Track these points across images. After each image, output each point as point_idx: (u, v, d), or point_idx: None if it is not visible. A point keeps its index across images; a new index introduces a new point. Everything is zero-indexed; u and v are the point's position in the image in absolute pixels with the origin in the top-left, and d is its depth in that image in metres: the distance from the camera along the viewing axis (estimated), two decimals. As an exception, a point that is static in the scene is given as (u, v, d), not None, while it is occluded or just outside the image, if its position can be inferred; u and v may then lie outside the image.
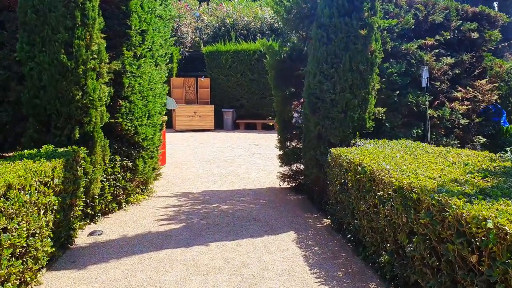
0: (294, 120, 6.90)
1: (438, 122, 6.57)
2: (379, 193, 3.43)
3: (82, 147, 4.49)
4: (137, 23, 5.15)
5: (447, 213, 2.36)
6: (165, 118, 7.58)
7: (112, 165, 5.33)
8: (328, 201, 5.12)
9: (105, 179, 5.23)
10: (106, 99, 4.86)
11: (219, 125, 15.66)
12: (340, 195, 4.44)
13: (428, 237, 2.70)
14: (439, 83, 6.56)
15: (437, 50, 6.43)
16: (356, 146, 5.22)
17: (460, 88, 6.91)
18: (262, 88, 15.60)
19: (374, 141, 5.29)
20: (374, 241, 3.66)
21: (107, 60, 4.81)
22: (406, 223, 3.01)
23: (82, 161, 4.47)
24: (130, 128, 5.41)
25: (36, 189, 3.26)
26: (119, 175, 5.51)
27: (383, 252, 3.51)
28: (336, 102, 5.02)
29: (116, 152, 5.42)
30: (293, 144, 6.84)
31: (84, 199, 4.68)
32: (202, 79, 15.69)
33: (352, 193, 4.04)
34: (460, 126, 6.84)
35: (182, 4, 18.06)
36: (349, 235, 4.34)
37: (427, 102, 6.36)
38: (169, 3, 6.31)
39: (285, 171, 6.88)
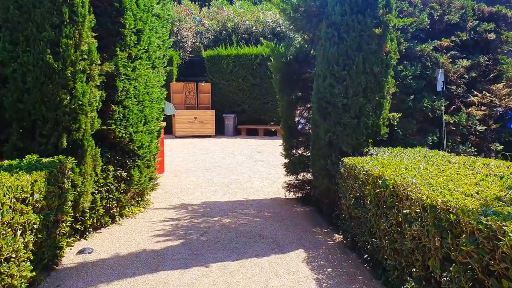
0: (300, 126, 6.49)
1: (454, 128, 6.15)
2: (404, 211, 3.00)
3: (70, 157, 4.07)
4: (131, 21, 4.75)
5: (502, 243, 1.93)
6: (163, 124, 7.17)
7: (104, 175, 4.91)
8: (340, 215, 4.69)
9: (96, 191, 4.80)
10: (97, 103, 4.46)
11: (220, 131, 15.25)
12: (355, 210, 4.01)
13: (470, 266, 2.27)
14: (455, 87, 6.15)
15: (453, 52, 6.03)
16: (370, 155, 4.80)
17: (476, 93, 6.49)
18: (264, 93, 15.22)
19: (389, 150, 4.88)
20: (397, 265, 3.22)
21: (99, 61, 4.40)
22: (439, 248, 2.58)
23: (69, 172, 4.05)
24: (124, 135, 5.00)
25: (10, 207, 2.83)
26: (112, 187, 5.08)
27: (409, 278, 3.07)
28: (348, 107, 4.60)
29: (109, 161, 5.00)
30: (299, 151, 6.42)
31: (73, 213, 4.26)
32: (203, 84, 15.31)
33: (370, 209, 3.61)
34: (477, 133, 6.43)
35: (182, 7, 17.73)
36: (366, 255, 3.90)
37: (443, 107, 5.94)
38: (167, 2, 5.92)
39: (290, 180, 6.45)
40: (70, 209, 4.09)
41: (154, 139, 5.83)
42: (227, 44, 16.12)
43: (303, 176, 6.32)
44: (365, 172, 3.69)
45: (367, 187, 3.64)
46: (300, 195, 6.41)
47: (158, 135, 6.07)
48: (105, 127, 4.71)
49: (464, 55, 6.30)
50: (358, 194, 3.96)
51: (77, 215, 4.51)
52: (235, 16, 17.59)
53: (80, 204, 4.38)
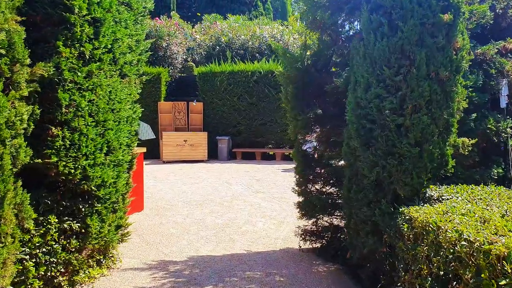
0: (318, 153, 4.97)
1: (522, 156, 4.69)
2: None
3: (-31, 212, 2.49)
4: (83, 4, 3.24)
5: None
6: (140, 151, 5.62)
7: (41, 231, 3.31)
8: (393, 290, 3.12)
9: (28, 256, 3.20)
10: (25, 125, 2.90)
11: (213, 155, 13.69)
12: (437, 299, 2.44)
13: None
14: (520, 102, 4.72)
15: (519, 57, 4.61)
16: (430, 198, 3.29)
17: (540, 110, 5.07)
18: (262, 113, 13.78)
19: (454, 189, 3.41)
20: None
21: (28, 61, 2.87)
22: None
23: (-36, 238, 2.46)
24: (73, 171, 3.42)
25: None
26: (56, 246, 3.48)
27: None
28: (405, 129, 3.10)
29: (50, 209, 3.41)
30: (317, 187, 4.88)
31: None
32: (194, 103, 13.83)
33: (482, 310, 2.05)
34: (544, 162, 4.96)
35: (172, 21, 16.41)
36: None
37: (509, 130, 4.49)
38: (142, -10, 4.44)
39: (307, 225, 4.89)
40: (-32, 297, 2.49)
41: (123, 173, 4.25)
42: (221, 60, 14.77)
43: (323, 220, 4.77)
44: (466, 243, 2.14)
45: (472, 268, 2.09)
46: (319, 245, 4.84)
47: (129, 167, 4.49)
48: (40, 160, 3.14)
49: (524, 63, 4.90)
50: (442, 272, 2.40)
51: (-8, 296, 2.91)
52: (230, 31, 16.30)
53: (-9, 284, 2.77)
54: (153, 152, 13.33)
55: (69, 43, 3.20)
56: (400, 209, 2.95)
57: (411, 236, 2.73)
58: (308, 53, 4.53)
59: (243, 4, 24.15)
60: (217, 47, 16.08)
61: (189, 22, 20.35)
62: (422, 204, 3.03)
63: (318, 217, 4.70)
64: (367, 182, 3.24)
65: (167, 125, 13.75)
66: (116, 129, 4.00)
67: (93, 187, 3.73)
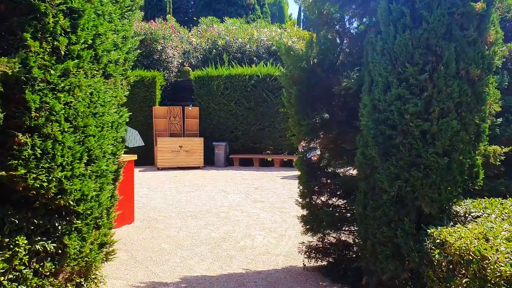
0: (324, 162, 4.53)
1: (548, 165, 4.27)
2: None
3: None
4: (57, -9, 2.81)
5: None
6: (129, 159, 5.15)
7: (7, 255, 2.85)
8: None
9: (-11, 285, 2.73)
10: (-17, 131, 2.45)
11: (209, 161, 13.24)
12: None
13: None
14: (545, 106, 4.31)
15: (544, 56, 4.21)
16: (466, 217, 2.86)
17: None
18: (260, 118, 13.35)
19: (481, 203, 2.98)
20: None
21: (-13, 56, 2.43)
22: None
23: None
24: (45, 184, 2.95)
25: None
26: (26, 270, 3.01)
27: None
28: (432, 136, 2.66)
29: (18, 229, 2.95)
30: (323, 199, 4.45)
31: None
32: (190, 108, 13.38)
33: None
34: None
35: (167, 24, 16.00)
36: None
37: (535, 135, 4.07)
38: (129, -19, 4.01)
39: (312, 241, 4.44)
40: None
41: (107, 185, 3.79)
42: (218, 64, 14.35)
43: (331, 236, 4.33)
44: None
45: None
46: (325, 262, 4.39)
47: (115, 178, 4.04)
48: (3, 172, 2.68)
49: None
50: (488, 313, 1.95)
51: None
52: (227, 34, 15.89)
53: None
54: (147, 158, 12.88)
55: (40, 35, 2.74)
56: (428, 230, 2.50)
57: (443, 263, 2.28)
58: (314, 51, 4.10)
59: (241, 7, 23.80)
60: (214, 50, 15.67)
61: (185, 27, 19.98)
62: (452, 224, 2.59)
63: (325, 232, 4.25)
64: (387, 197, 2.79)
65: (162, 130, 13.28)
66: (98, 136, 3.54)
67: (71, 202, 3.26)
